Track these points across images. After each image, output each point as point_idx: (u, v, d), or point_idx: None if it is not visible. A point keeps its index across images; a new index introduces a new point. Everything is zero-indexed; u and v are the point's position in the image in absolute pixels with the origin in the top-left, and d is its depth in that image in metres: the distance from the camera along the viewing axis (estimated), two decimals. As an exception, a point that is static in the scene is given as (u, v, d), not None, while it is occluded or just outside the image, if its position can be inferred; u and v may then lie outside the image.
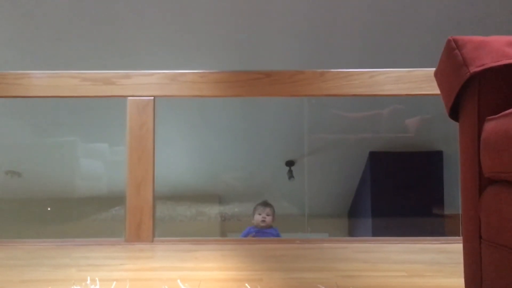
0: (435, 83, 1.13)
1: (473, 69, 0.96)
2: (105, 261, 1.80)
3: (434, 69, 1.13)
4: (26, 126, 4.51)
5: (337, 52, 3.91)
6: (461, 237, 1.06)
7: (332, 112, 4.49)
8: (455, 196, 4.20)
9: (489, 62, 0.95)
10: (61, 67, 3.13)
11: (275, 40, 3.93)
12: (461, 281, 1.05)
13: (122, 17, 3.74)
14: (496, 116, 0.92)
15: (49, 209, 4.68)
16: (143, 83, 2.29)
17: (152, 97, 2.26)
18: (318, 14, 3.74)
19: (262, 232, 3.02)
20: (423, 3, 3.65)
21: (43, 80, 2.32)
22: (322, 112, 4.44)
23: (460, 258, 1.05)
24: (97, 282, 1.32)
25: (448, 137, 3.99)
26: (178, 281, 1.31)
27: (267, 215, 3.09)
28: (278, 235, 3.04)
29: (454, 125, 1.09)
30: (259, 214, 3.09)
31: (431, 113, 4.41)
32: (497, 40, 1.00)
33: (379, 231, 4.62)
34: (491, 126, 0.91)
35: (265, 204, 3.21)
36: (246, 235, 3.03)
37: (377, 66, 2.31)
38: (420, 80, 2.23)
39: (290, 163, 4.90)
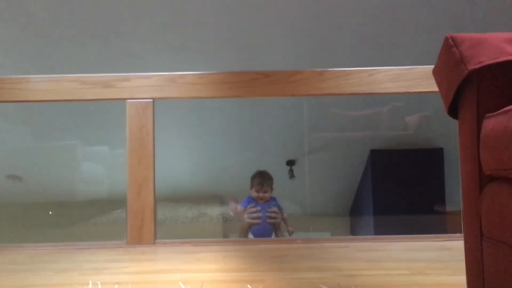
0: (433, 81, 1.13)
1: (471, 66, 0.96)
2: (107, 264, 1.80)
3: (432, 66, 1.12)
4: (26, 130, 4.52)
5: (335, 51, 3.91)
6: (463, 235, 1.05)
7: (331, 111, 4.48)
8: (456, 193, 4.18)
9: (487, 59, 0.95)
10: (60, 71, 3.14)
11: (273, 40, 3.93)
12: (464, 278, 1.04)
13: (121, 20, 3.74)
14: (495, 113, 0.92)
15: (50, 213, 4.68)
16: (142, 85, 2.29)
17: (151, 99, 2.27)
18: (317, 14, 3.74)
19: (262, 204, 2.92)
20: (422, 1, 3.65)
21: (42, 85, 2.32)
22: (322, 111, 4.44)
23: (462, 255, 1.05)
24: (99, 285, 1.32)
25: (448, 134, 3.99)
26: (180, 283, 1.31)
27: (265, 192, 2.92)
28: (278, 205, 2.94)
29: (454, 122, 1.09)
30: (256, 192, 2.92)
31: (430, 110, 4.41)
32: (495, 37, 1.00)
33: (381, 229, 4.61)
34: (490, 123, 0.91)
35: (262, 178, 2.97)
36: (246, 205, 2.93)
37: (376, 65, 2.31)
38: (418, 78, 2.23)
39: (291, 163, 4.90)
